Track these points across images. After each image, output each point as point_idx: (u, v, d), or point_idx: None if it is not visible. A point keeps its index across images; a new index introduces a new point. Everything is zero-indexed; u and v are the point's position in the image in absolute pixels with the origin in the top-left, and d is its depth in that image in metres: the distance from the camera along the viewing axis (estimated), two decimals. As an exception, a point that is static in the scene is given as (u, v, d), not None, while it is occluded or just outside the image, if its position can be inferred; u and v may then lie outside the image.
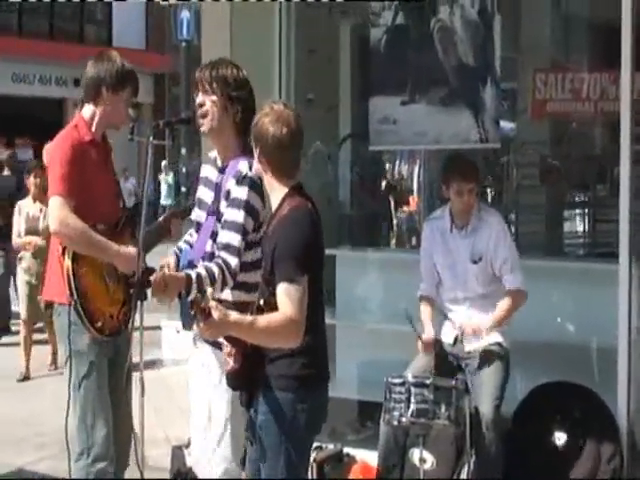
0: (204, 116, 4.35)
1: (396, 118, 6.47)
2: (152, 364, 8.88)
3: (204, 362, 4.46)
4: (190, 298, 3.67)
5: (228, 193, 4.29)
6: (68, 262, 4.44)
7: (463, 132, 6.23)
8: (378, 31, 6.58)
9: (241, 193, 4.25)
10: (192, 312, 3.49)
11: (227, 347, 3.84)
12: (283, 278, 3.61)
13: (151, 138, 4.44)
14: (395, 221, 9.85)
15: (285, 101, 6.62)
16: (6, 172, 11.32)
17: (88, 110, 4.70)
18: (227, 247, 4.21)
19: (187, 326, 4.53)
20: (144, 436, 4.38)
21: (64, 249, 4.46)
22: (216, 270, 4.16)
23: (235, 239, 4.22)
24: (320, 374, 3.88)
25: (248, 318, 3.59)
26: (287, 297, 3.58)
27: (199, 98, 4.37)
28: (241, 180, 4.26)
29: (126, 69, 4.69)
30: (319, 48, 7.31)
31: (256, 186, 4.24)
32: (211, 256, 4.28)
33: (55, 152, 4.58)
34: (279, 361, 3.77)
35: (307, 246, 3.67)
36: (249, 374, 3.80)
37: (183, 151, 17.09)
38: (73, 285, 4.43)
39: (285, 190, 3.79)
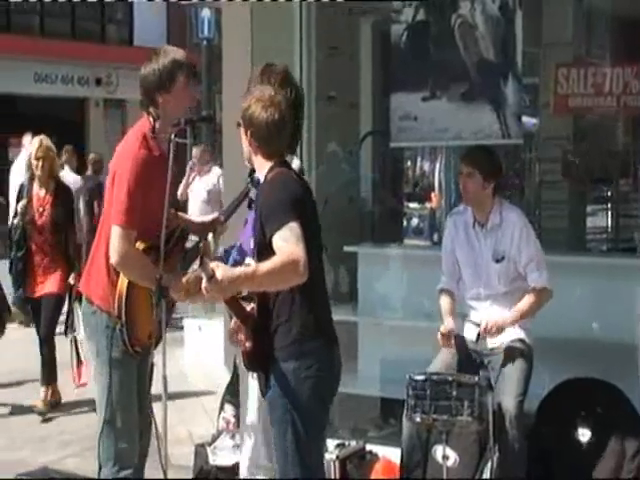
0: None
1: (417, 115, 6.45)
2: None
3: None
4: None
5: (251, 200, 4.33)
6: (124, 283, 4.29)
7: (485, 128, 6.20)
8: (399, 28, 6.56)
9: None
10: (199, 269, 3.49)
11: (236, 330, 3.86)
12: (274, 229, 3.63)
13: (172, 136, 4.45)
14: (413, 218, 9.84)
15: (306, 99, 6.69)
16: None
17: (154, 115, 4.44)
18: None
19: None
20: (167, 434, 4.40)
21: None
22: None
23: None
24: (321, 334, 3.85)
25: (250, 268, 3.62)
26: (282, 241, 3.60)
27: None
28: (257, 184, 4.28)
29: (171, 60, 4.44)
30: (340, 45, 7.31)
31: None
32: None
33: (123, 171, 4.32)
34: (277, 332, 3.78)
35: (289, 196, 3.74)
36: (263, 350, 3.80)
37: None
38: (124, 308, 4.31)
39: (269, 166, 3.90)
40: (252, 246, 4.28)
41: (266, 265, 3.56)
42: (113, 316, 4.36)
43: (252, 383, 4.58)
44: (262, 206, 3.77)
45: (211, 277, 3.44)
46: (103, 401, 4.48)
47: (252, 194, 4.44)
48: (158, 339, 4.41)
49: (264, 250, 3.72)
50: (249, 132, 3.91)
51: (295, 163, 4.35)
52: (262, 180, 3.92)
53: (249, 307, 3.90)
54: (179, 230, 4.52)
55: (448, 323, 5.28)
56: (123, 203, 4.27)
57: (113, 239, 4.29)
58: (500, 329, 5.15)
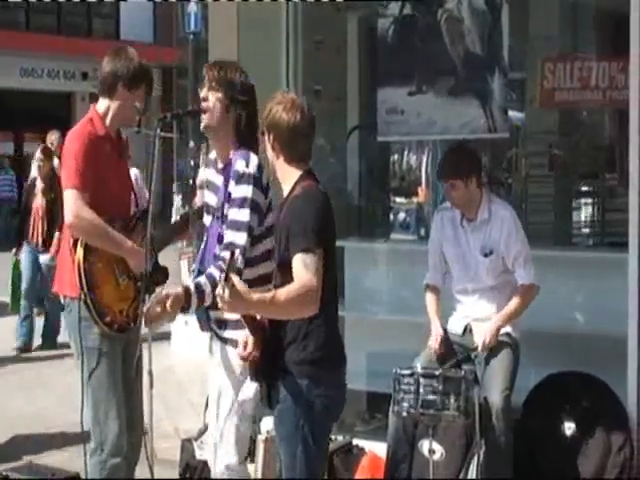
0: (206, 111, 4.35)
1: (404, 109, 6.46)
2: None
3: (220, 361, 4.48)
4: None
5: (229, 195, 4.29)
6: (80, 255, 4.42)
7: (471, 122, 6.21)
8: (385, 22, 6.56)
9: (243, 191, 4.24)
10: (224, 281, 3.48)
11: (246, 338, 3.85)
12: (298, 249, 3.62)
13: (158, 130, 4.44)
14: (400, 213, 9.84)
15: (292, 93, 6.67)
16: None
17: (103, 104, 4.68)
18: (230, 245, 4.17)
19: (204, 328, 4.54)
20: (153, 429, 4.39)
21: (75, 242, 4.44)
22: (216, 273, 4.15)
23: (241, 238, 4.21)
24: (334, 356, 3.85)
25: (266, 294, 3.60)
26: (303, 266, 3.59)
27: (203, 92, 4.38)
28: (239, 179, 4.25)
29: (143, 67, 4.69)
30: (326, 39, 7.30)
31: (257, 181, 4.25)
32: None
33: (70, 145, 4.55)
34: (291, 347, 3.76)
35: (320, 220, 3.70)
36: (270, 362, 3.79)
37: (191, 144, 17.07)
38: (84, 278, 4.41)
39: (298, 175, 3.82)
40: (217, 253, 4.29)
41: (282, 293, 3.57)
42: (80, 296, 4.42)
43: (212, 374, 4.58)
44: (292, 221, 3.70)
45: (231, 288, 3.45)
46: (88, 391, 4.52)
47: (219, 182, 4.41)
48: (136, 318, 4.45)
49: (282, 264, 3.73)
50: (272, 135, 3.82)
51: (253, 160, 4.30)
52: (287, 191, 3.83)
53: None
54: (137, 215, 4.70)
55: (437, 333, 5.28)
56: (71, 167, 4.47)
57: (66, 202, 4.45)
58: (496, 336, 5.16)
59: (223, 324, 4.40)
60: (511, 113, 6.79)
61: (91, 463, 4.56)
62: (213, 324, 4.46)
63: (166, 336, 9.66)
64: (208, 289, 4.15)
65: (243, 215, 4.22)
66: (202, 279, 4.21)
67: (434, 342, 5.27)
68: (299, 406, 3.74)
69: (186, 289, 4.17)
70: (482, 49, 6.22)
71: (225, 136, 4.38)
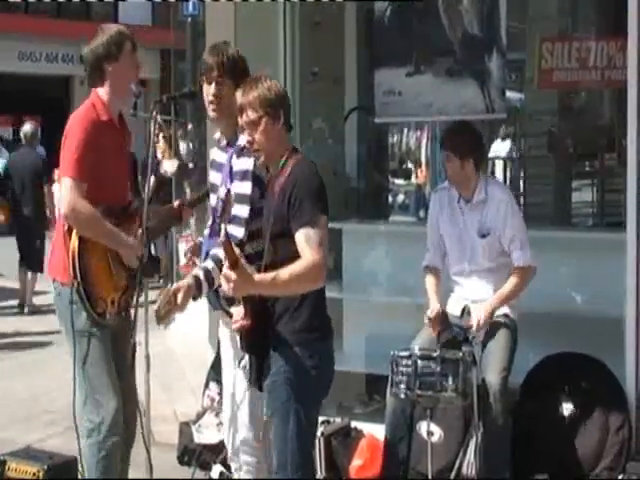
0: (218, 102, 4.34)
1: (401, 90, 6.43)
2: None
3: (232, 337, 4.50)
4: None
5: (231, 169, 4.32)
6: (75, 242, 4.40)
7: (469, 103, 6.18)
8: (383, 2, 6.52)
9: (244, 164, 4.26)
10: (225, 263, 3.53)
11: (238, 311, 3.85)
12: (303, 222, 3.67)
13: (154, 113, 4.43)
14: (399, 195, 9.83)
15: (290, 74, 6.66)
16: None
17: (103, 90, 4.61)
18: (233, 219, 4.23)
19: (215, 307, 4.55)
20: (150, 412, 4.39)
21: (70, 228, 4.43)
22: (222, 255, 4.16)
23: (243, 210, 4.23)
24: (324, 326, 3.90)
25: (270, 275, 3.64)
26: (307, 243, 3.64)
27: (213, 88, 4.34)
28: (240, 152, 4.27)
29: (119, 32, 4.61)
30: (324, 20, 7.26)
31: None
32: None
33: (72, 131, 4.50)
34: (284, 318, 3.78)
35: (322, 188, 3.78)
36: (262, 331, 3.79)
37: (189, 127, 17.04)
38: (77, 266, 4.39)
39: (289, 148, 3.91)
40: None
41: (287, 273, 3.61)
42: (73, 284, 4.41)
43: (226, 355, 4.59)
44: (292, 192, 3.73)
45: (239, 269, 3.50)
46: (82, 374, 4.52)
47: (224, 159, 4.43)
48: (127, 309, 4.51)
49: (282, 236, 3.75)
50: (281, 111, 3.85)
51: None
52: (279, 163, 3.87)
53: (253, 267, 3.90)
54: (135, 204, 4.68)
55: (434, 307, 5.26)
56: (72, 156, 4.42)
57: (63, 191, 4.43)
58: (491, 316, 5.15)
59: (232, 300, 4.43)
60: (510, 94, 6.76)
61: (88, 443, 4.55)
62: (222, 301, 4.48)
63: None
64: (216, 271, 4.19)
65: (245, 188, 4.25)
66: (209, 263, 4.27)
67: (431, 313, 5.22)
68: (293, 376, 3.76)
69: (196, 277, 4.22)
70: (480, 29, 6.19)
71: (230, 117, 4.36)
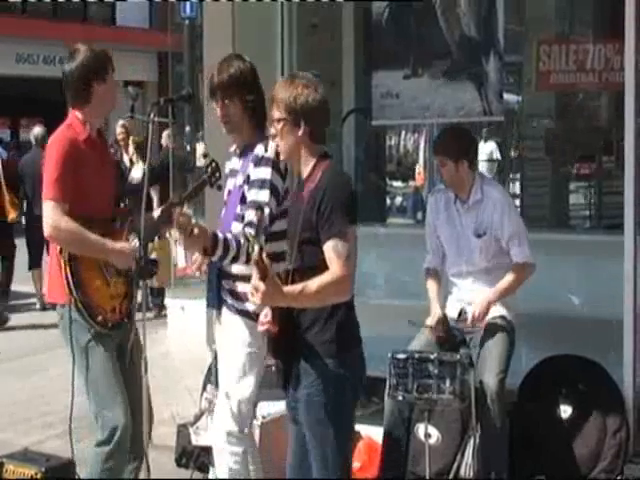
0: (227, 122, 4.50)
1: (399, 92, 6.45)
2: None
3: (230, 333, 4.53)
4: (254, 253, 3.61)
5: (248, 177, 4.39)
6: (65, 260, 4.42)
7: (466, 105, 6.20)
8: (380, 5, 6.53)
9: (262, 173, 4.34)
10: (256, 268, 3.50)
11: (266, 314, 3.82)
12: (332, 234, 3.63)
13: (152, 115, 4.43)
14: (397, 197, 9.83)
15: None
16: None
17: (83, 111, 4.59)
18: (250, 224, 4.23)
19: (212, 304, 4.55)
20: (149, 414, 4.38)
21: (61, 249, 4.45)
22: (242, 239, 4.21)
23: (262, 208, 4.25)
24: (355, 335, 3.87)
25: (298, 286, 3.63)
26: (335, 254, 3.61)
27: (219, 110, 4.48)
28: (259, 161, 4.36)
29: (101, 52, 4.62)
30: (321, 23, 7.26)
31: (275, 165, 4.35)
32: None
33: (49, 153, 4.52)
34: (314, 328, 3.74)
35: (353, 198, 3.75)
36: (290, 341, 3.78)
37: (187, 129, 17.06)
38: (72, 282, 4.41)
39: (318, 155, 3.82)
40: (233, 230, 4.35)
41: (315, 285, 3.59)
42: (71, 300, 4.41)
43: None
44: (323, 199, 3.67)
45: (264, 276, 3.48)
46: (90, 390, 4.51)
47: (238, 165, 4.49)
48: (130, 315, 4.49)
49: (309, 243, 3.72)
50: (306, 118, 3.75)
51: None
52: (306, 173, 3.81)
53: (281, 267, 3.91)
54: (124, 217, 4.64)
55: (435, 313, 5.26)
56: (51, 177, 4.43)
57: (45, 213, 4.44)
58: (487, 311, 5.15)
59: (237, 296, 4.47)
60: (508, 96, 6.77)
61: (95, 451, 4.52)
62: (226, 295, 4.50)
63: (162, 322, 9.66)
64: (234, 247, 4.20)
65: (263, 196, 4.31)
66: (229, 235, 4.25)
67: (432, 321, 5.23)
68: (327, 389, 3.72)
69: (215, 234, 4.20)
70: (478, 32, 6.20)
71: (245, 131, 4.51)
